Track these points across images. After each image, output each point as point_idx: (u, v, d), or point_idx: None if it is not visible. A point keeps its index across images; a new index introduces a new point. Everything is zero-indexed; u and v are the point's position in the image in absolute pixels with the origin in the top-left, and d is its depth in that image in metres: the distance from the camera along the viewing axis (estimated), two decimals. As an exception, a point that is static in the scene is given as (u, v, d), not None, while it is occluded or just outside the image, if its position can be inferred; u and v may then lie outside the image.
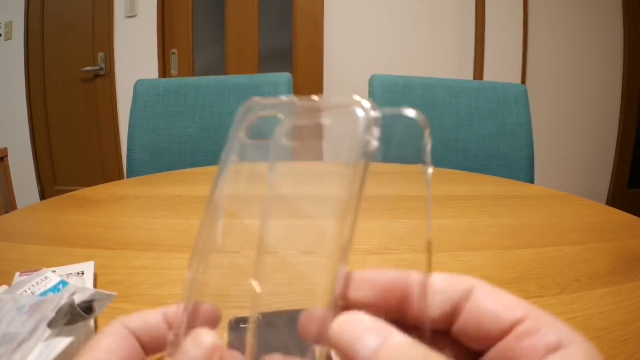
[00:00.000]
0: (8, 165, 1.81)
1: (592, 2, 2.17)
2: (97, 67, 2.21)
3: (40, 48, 2.21)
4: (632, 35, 2.18)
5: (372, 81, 1.13)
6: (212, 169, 0.95)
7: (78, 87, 2.26)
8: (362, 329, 0.15)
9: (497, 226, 0.60)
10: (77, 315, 0.26)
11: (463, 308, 0.16)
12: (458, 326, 0.16)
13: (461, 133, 1.12)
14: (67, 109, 2.29)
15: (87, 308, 0.27)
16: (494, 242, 0.54)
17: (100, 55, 2.20)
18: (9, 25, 2.15)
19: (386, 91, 1.11)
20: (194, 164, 1.09)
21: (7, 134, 2.22)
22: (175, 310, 0.18)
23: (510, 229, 0.59)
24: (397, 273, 0.17)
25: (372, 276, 0.17)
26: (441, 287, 0.17)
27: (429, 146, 0.17)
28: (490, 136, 1.11)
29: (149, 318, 0.18)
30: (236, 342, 0.35)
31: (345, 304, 0.17)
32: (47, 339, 0.25)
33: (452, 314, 0.16)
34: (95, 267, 0.43)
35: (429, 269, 0.17)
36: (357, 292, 0.17)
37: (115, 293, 0.28)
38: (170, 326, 0.18)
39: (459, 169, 1.09)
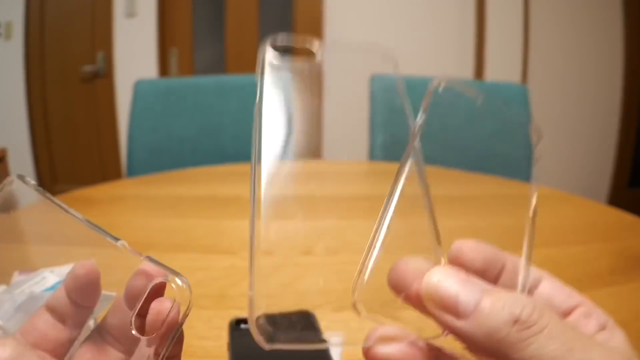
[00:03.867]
0: (8, 166, 1.81)
1: (593, 2, 2.16)
2: (96, 67, 2.21)
3: (40, 48, 2.21)
4: (632, 35, 2.17)
5: (372, 81, 1.12)
6: (212, 169, 0.95)
7: (77, 86, 2.26)
8: (460, 280, 0.16)
9: (497, 226, 0.60)
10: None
11: (533, 292, 0.20)
12: None
13: (461, 133, 1.12)
14: (66, 108, 2.29)
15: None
16: (494, 242, 0.54)
17: (100, 54, 2.20)
18: (8, 25, 2.15)
19: (387, 91, 1.11)
20: (194, 164, 1.09)
21: (6, 134, 2.22)
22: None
23: (511, 229, 0.59)
24: (498, 250, 0.20)
25: (482, 246, 0.20)
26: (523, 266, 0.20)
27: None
28: (491, 136, 1.11)
29: (57, 294, 0.19)
30: (237, 342, 0.35)
31: (458, 264, 0.19)
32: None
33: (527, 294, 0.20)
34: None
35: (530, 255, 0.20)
36: (470, 256, 0.19)
37: (114, 293, 0.28)
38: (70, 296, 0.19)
39: (459, 168, 1.09)
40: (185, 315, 0.18)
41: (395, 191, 0.18)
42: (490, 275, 0.19)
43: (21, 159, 2.24)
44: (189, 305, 0.19)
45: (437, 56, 2.14)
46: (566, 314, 0.19)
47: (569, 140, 2.26)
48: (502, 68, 2.11)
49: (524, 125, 0.21)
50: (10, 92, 2.21)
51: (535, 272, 0.20)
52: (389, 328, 0.17)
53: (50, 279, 0.32)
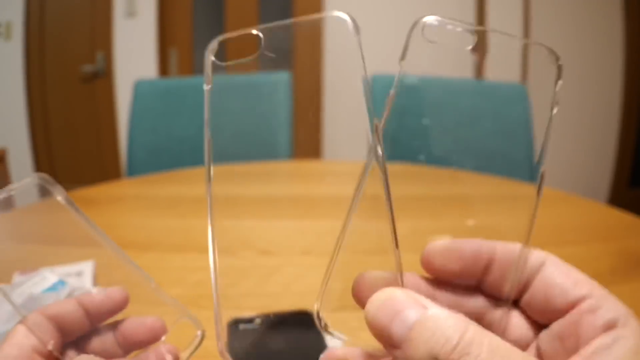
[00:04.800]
0: (7, 165, 1.81)
1: (593, 2, 2.16)
2: (96, 67, 2.20)
3: (40, 48, 2.20)
4: (632, 35, 2.17)
5: (372, 81, 1.12)
6: (214, 168, 0.95)
7: (77, 86, 2.26)
8: (391, 312, 0.15)
9: (497, 226, 0.60)
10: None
11: (533, 280, 0.17)
12: (527, 297, 0.17)
13: (461, 133, 1.12)
14: (66, 108, 2.29)
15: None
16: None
17: (99, 54, 2.20)
18: (8, 25, 2.15)
19: (387, 91, 1.11)
20: (194, 164, 1.09)
21: (6, 134, 2.22)
22: (90, 296, 0.20)
23: (510, 229, 0.59)
24: (482, 243, 0.18)
25: (458, 246, 0.18)
26: (517, 259, 0.17)
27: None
28: (491, 136, 1.11)
29: (65, 305, 0.20)
30: (236, 342, 0.35)
31: (431, 273, 0.18)
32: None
33: (524, 286, 0.17)
34: (96, 268, 0.42)
35: (529, 237, 0.18)
36: (442, 262, 0.18)
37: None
38: (87, 311, 0.20)
39: (459, 168, 1.09)
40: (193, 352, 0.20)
41: (357, 195, 0.18)
42: (474, 271, 0.18)
43: (21, 159, 2.24)
44: (198, 344, 0.20)
45: (438, 55, 2.13)
46: (568, 309, 0.16)
47: (569, 140, 2.26)
48: (502, 67, 2.10)
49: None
50: (10, 92, 2.21)
51: (537, 254, 0.18)
52: (338, 351, 0.18)
53: (50, 279, 0.32)
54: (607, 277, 0.47)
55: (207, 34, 2.23)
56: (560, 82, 0.19)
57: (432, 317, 0.14)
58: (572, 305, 0.16)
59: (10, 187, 0.19)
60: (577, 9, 2.16)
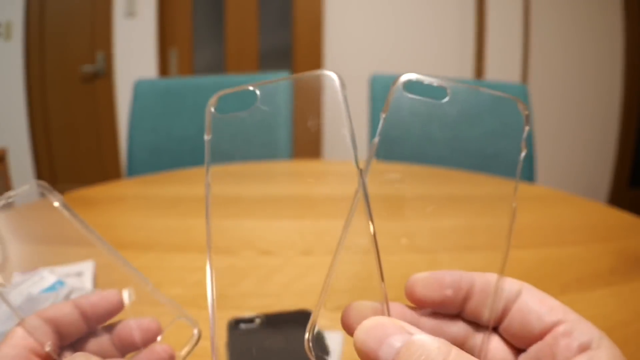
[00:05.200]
0: (7, 165, 1.81)
1: (593, 2, 2.16)
2: (96, 67, 2.20)
3: (40, 48, 2.20)
4: (632, 35, 2.17)
5: (372, 80, 1.12)
6: (212, 168, 0.95)
7: (77, 86, 2.26)
8: (377, 338, 0.16)
9: (497, 226, 0.59)
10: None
11: (511, 308, 0.19)
12: (506, 323, 0.19)
13: (461, 133, 1.12)
14: (66, 108, 2.29)
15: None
16: (494, 242, 0.54)
17: (100, 54, 2.20)
18: (8, 25, 2.15)
19: (387, 90, 1.11)
20: (194, 164, 1.09)
21: (6, 133, 2.22)
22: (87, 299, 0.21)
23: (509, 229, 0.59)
24: (462, 274, 0.20)
25: (439, 277, 0.19)
26: (494, 289, 0.19)
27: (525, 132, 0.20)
28: (491, 136, 1.11)
29: (62, 308, 0.20)
30: (236, 341, 0.35)
31: (414, 302, 0.19)
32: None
33: (502, 313, 0.19)
34: (96, 268, 0.42)
35: (503, 268, 0.19)
36: (424, 291, 0.19)
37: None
38: (83, 314, 0.20)
39: (459, 168, 1.09)
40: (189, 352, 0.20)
41: (347, 228, 0.19)
42: (455, 300, 0.19)
43: (21, 159, 2.24)
44: (195, 343, 0.20)
45: (437, 56, 2.14)
46: (544, 333, 0.17)
47: (569, 140, 2.26)
48: (502, 68, 2.10)
49: (508, 104, 0.21)
50: (10, 92, 2.21)
51: (514, 284, 0.19)
52: None
53: (49, 278, 0.32)
54: (607, 277, 0.47)
55: (207, 34, 2.23)
56: (527, 129, 0.20)
57: (417, 342, 0.15)
58: (548, 330, 0.17)
59: (8, 194, 0.20)
60: (577, 9, 2.16)
